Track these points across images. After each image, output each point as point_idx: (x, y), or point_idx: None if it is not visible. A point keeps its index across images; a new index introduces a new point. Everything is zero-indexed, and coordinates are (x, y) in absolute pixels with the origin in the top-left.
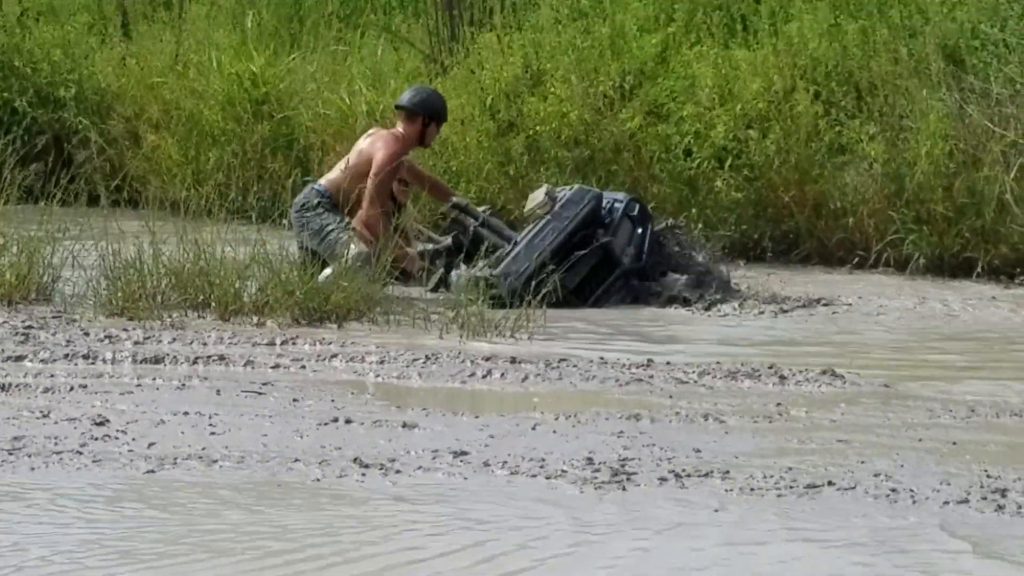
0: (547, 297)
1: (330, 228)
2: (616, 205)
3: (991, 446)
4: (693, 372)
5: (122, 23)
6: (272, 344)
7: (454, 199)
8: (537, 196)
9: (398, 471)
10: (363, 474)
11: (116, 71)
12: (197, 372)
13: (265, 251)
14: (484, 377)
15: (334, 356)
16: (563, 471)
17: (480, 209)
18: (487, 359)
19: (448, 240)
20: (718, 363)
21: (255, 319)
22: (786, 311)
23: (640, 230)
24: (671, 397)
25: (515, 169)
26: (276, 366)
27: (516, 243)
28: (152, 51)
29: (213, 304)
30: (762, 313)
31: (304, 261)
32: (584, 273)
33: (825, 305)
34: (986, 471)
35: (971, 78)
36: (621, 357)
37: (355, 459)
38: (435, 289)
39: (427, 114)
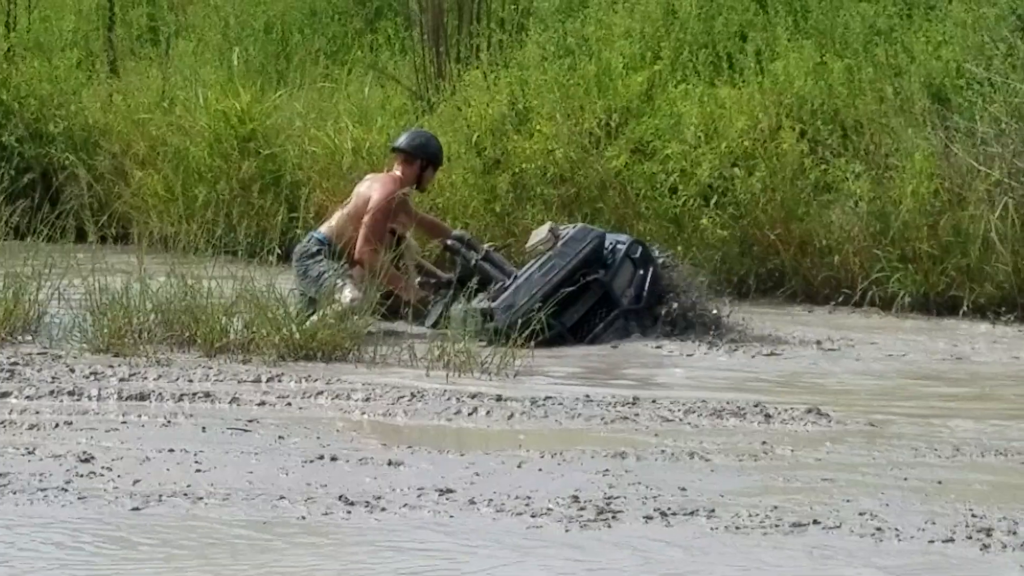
0: (540, 334)
1: (327, 275)
2: (619, 246)
3: (976, 485)
4: (679, 410)
5: (109, 60)
6: (258, 381)
7: (456, 232)
8: (540, 233)
9: (383, 509)
10: (348, 512)
11: (103, 107)
12: (183, 409)
13: (252, 288)
14: (470, 415)
15: (320, 393)
16: (549, 509)
17: (484, 246)
18: (473, 396)
19: (451, 275)
20: (703, 401)
21: (241, 356)
22: (774, 351)
23: (641, 272)
24: (657, 435)
25: (501, 206)
26: (262, 403)
27: (516, 277)
28: (139, 87)
29: (199, 341)
30: (749, 351)
31: (301, 310)
32: (583, 312)
33: (813, 343)
34: (971, 510)
35: (956, 117)
36: (607, 395)
37: (340, 496)
38: (435, 324)
39: (424, 157)
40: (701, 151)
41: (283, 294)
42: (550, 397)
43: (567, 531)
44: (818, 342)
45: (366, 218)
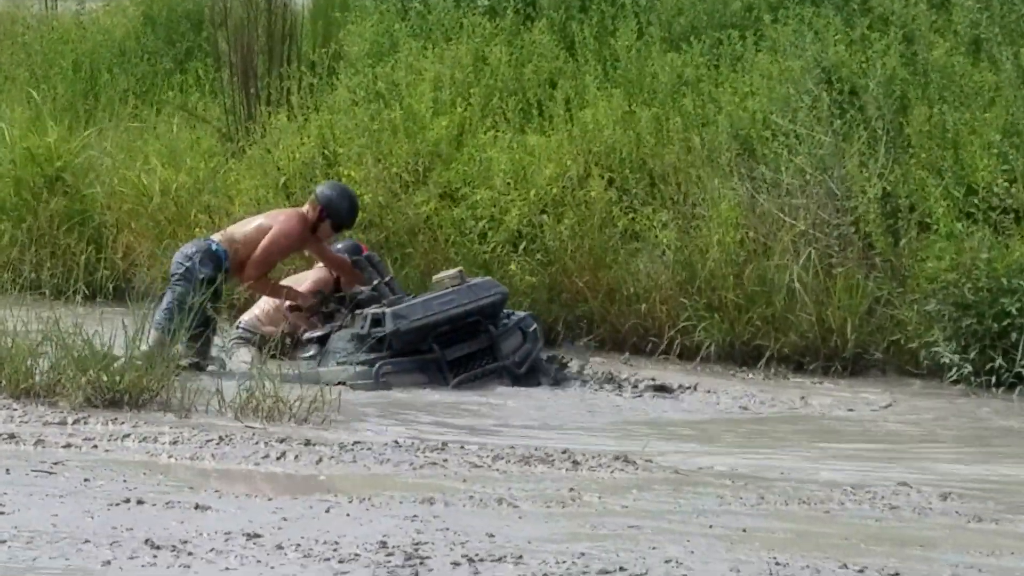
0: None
1: (164, 304)
2: (513, 316)
3: (779, 533)
4: (487, 456)
5: None
6: (64, 423)
7: (367, 253)
8: (450, 272)
9: (190, 553)
10: (154, 556)
11: None
12: None
13: (58, 328)
14: (278, 459)
15: (127, 436)
16: (356, 555)
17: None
18: (281, 441)
19: (366, 289)
20: (512, 447)
21: (47, 398)
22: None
23: (528, 346)
24: (465, 481)
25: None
26: (68, 445)
27: (415, 297)
28: None
29: (3, 382)
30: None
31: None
32: (466, 352)
33: (623, 388)
34: (775, 558)
35: (762, 168)
36: (416, 440)
37: (147, 540)
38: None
39: (323, 207)
40: (510, 197)
41: (89, 335)
42: (359, 442)
43: None
44: (628, 388)
45: (264, 242)
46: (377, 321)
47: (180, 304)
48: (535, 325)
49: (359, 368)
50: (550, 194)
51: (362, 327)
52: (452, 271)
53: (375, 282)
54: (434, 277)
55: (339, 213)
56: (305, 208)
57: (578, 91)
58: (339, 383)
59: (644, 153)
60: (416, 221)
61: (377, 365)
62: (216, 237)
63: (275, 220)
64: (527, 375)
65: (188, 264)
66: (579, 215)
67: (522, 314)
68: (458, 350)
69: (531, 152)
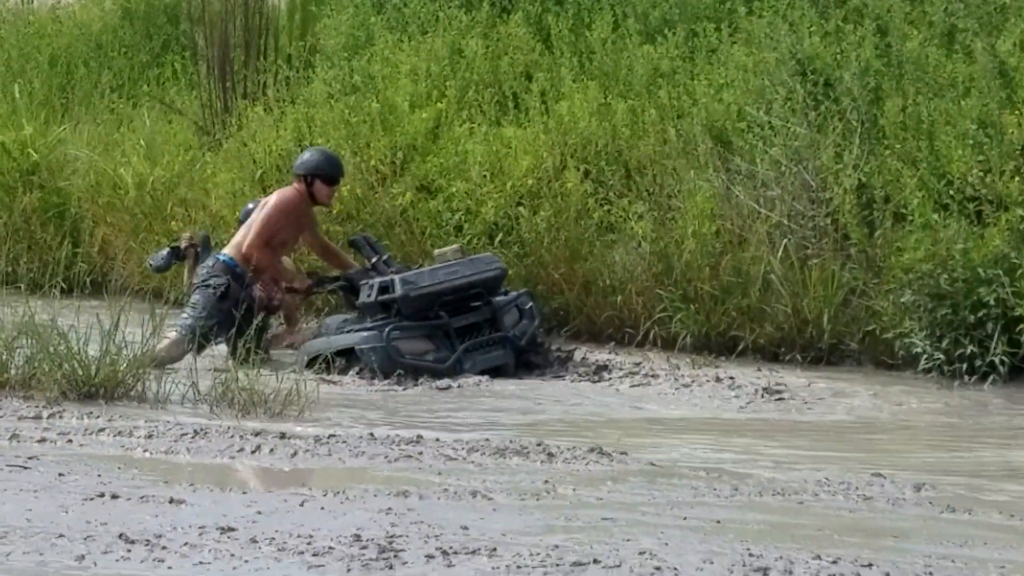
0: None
1: (185, 312)
2: (512, 293)
3: (753, 525)
4: (462, 449)
5: None
6: (38, 418)
7: (363, 233)
8: (451, 247)
9: (164, 547)
10: (128, 550)
11: None
12: None
13: (34, 322)
14: (253, 453)
15: (102, 430)
16: (330, 548)
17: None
18: (256, 434)
19: (339, 272)
20: (487, 440)
21: (22, 392)
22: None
23: (525, 322)
24: (440, 474)
25: None
26: (42, 440)
27: (422, 267)
28: None
29: None
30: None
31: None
32: (471, 322)
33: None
34: (748, 550)
35: (737, 159)
36: (391, 433)
37: (120, 535)
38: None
39: (306, 173)
40: (486, 190)
41: (64, 329)
42: (334, 435)
43: (348, 570)
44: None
45: (259, 215)
46: (385, 288)
47: (195, 310)
48: (532, 303)
49: (368, 333)
50: (526, 186)
51: (368, 295)
52: (453, 246)
53: (373, 260)
54: (435, 252)
55: (319, 166)
56: (294, 186)
57: (554, 83)
58: (347, 348)
59: (620, 145)
60: (393, 213)
61: (387, 330)
62: (225, 251)
63: (269, 201)
64: (528, 349)
65: (204, 276)
66: (555, 207)
67: (518, 292)
68: (464, 319)
69: (507, 144)
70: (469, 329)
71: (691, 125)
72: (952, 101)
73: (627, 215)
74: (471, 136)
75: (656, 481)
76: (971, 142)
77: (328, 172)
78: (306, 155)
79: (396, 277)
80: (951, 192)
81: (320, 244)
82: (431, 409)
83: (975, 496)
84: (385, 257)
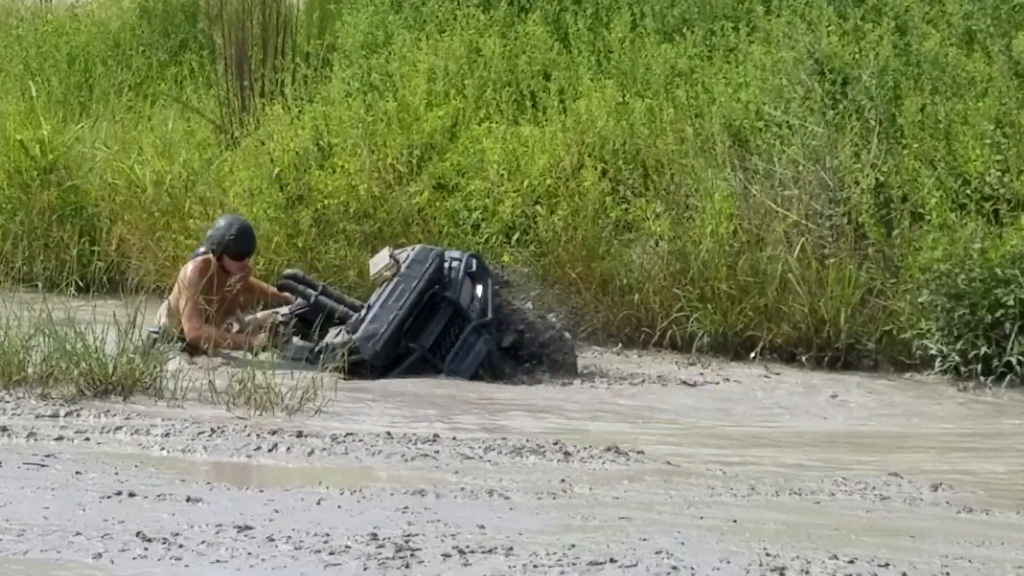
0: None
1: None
2: (455, 264)
3: (770, 524)
4: (479, 447)
5: None
6: (56, 416)
7: (288, 271)
8: (381, 259)
9: (181, 545)
10: (146, 548)
11: None
12: None
13: (51, 320)
14: (270, 451)
15: (119, 428)
16: (347, 547)
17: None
18: (273, 433)
19: (291, 306)
20: (504, 439)
21: (39, 390)
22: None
23: (480, 286)
24: (456, 473)
25: (304, 242)
26: (59, 438)
27: (370, 307)
28: None
29: None
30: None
31: None
32: (438, 331)
33: (619, 380)
34: (765, 549)
35: (755, 159)
36: (408, 432)
37: (138, 533)
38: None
39: (212, 249)
40: (503, 188)
41: (82, 328)
42: (351, 434)
43: (365, 569)
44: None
45: (181, 300)
46: (353, 351)
47: None
48: (476, 261)
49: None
50: (543, 185)
51: (333, 351)
52: (384, 259)
53: (311, 296)
54: (370, 274)
55: (228, 245)
56: (202, 259)
57: (571, 82)
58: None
59: (637, 144)
60: (410, 212)
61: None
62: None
63: (182, 274)
64: (497, 323)
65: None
66: (572, 206)
67: (459, 255)
68: (430, 334)
69: (524, 143)
70: (442, 337)
71: (709, 124)
72: (970, 101)
73: (644, 214)
74: (488, 135)
75: (673, 480)
76: (989, 142)
77: (235, 249)
78: (220, 226)
79: (358, 339)
80: (968, 192)
81: (259, 291)
82: (454, 405)
83: (992, 496)
84: (320, 288)
